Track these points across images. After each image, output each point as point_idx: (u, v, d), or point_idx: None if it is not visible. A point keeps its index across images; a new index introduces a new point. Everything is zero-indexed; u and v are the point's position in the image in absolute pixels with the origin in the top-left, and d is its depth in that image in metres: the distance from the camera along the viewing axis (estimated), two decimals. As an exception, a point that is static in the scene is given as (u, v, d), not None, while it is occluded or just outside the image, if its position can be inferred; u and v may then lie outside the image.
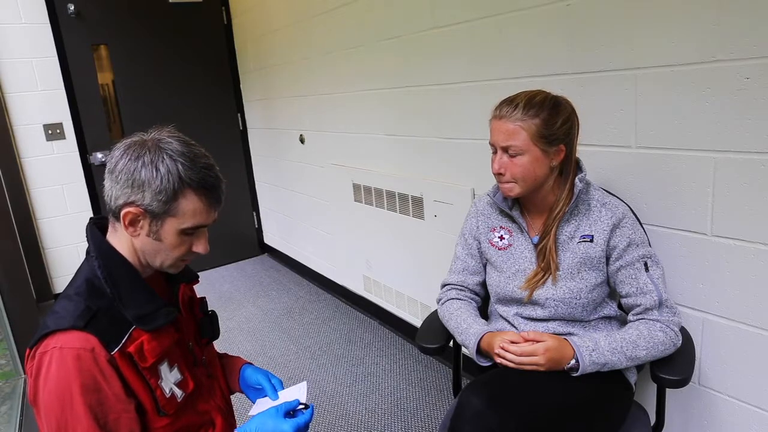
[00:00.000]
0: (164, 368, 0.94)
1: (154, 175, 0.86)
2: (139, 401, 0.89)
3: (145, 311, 0.91)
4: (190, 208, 0.89)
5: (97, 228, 0.96)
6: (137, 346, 0.89)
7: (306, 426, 0.97)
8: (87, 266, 0.93)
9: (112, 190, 0.89)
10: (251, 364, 1.19)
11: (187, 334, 1.04)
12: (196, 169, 0.89)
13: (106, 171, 0.90)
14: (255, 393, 1.14)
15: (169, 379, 0.95)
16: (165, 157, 0.87)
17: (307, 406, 1.01)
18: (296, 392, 1.07)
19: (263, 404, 1.08)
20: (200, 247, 0.96)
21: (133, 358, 0.88)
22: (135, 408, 0.88)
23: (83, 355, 0.83)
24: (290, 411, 0.99)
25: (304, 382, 1.09)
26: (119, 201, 0.88)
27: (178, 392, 0.96)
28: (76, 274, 0.95)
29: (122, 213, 0.88)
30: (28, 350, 0.88)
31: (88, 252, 0.95)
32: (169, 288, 1.05)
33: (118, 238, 0.94)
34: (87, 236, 0.95)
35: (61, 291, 0.95)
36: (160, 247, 0.92)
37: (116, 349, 0.86)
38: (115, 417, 0.85)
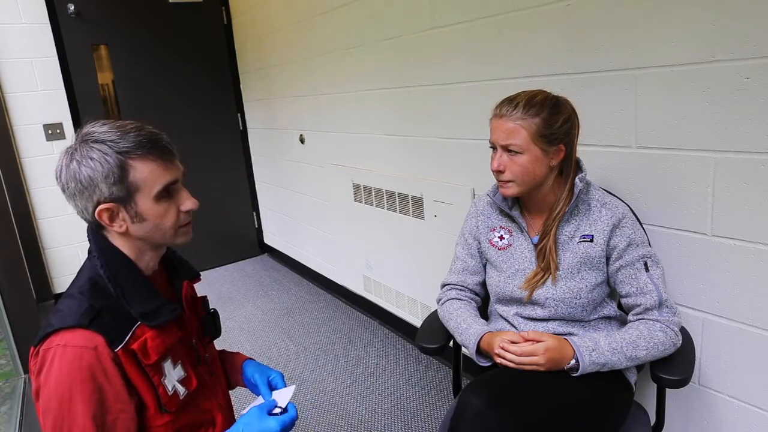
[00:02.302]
0: (168, 365, 0.94)
1: (93, 166, 0.86)
2: (141, 399, 0.89)
3: (149, 308, 0.92)
4: (145, 173, 0.88)
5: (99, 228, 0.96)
6: (141, 344, 0.89)
7: (292, 423, 0.97)
8: (89, 265, 0.93)
9: (77, 205, 0.89)
10: (252, 359, 1.20)
11: (190, 331, 1.05)
12: (125, 136, 0.88)
13: (62, 192, 0.90)
14: (257, 390, 1.14)
15: (173, 376, 0.95)
16: (92, 144, 0.87)
17: (285, 410, 1.00)
18: (286, 394, 1.07)
19: (260, 401, 1.08)
20: (188, 204, 0.95)
21: (137, 356, 0.88)
22: (136, 407, 0.88)
23: (86, 353, 0.83)
24: (274, 409, 0.99)
25: (293, 387, 1.09)
26: (89, 209, 0.89)
27: (181, 389, 0.96)
28: (78, 273, 0.95)
29: (96, 216, 0.89)
30: (32, 348, 0.88)
31: (89, 251, 0.95)
32: (172, 286, 1.06)
33: (115, 237, 0.94)
34: (88, 236, 0.95)
35: (61, 291, 0.95)
36: (150, 225, 0.92)
37: (120, 347, 0.86)
38: (113, 417, 0.85)
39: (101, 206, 0.88)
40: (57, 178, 0.89)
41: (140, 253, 0.96)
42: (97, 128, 0.88)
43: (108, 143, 0.86)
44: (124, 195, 0.88)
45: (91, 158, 0.86)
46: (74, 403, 0.82)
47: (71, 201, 0.90)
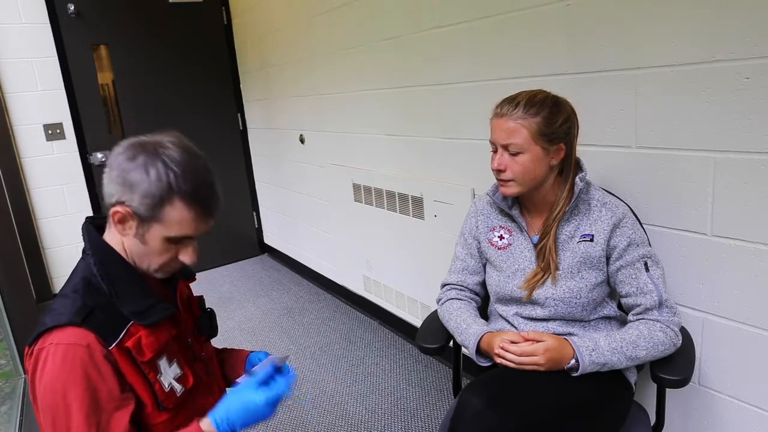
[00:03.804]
0: (163, 363, 0.94)
1: (143, 179, 0.86)
2: (138, 397, 0.89)
3: (141, 307, 0.92)
4: (177, 217, 0.89)
5: (94, 227, 0.97)
6: (135, 341, 0.89)
7: (277, 398, 0.94)
8: (83, 264, 0.94)
9: (108, 186, 0.89)
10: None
11: (185, 330, 1.05)
12: (189, 179, 0.88)
13: (106, 166, 0.90)
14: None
15: (169, 374, 0.95)
16: (159, 162, 0.87)
17: (279, 370, 0.96)
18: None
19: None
20: (186, 258, 0.95)
21: (131, 353, 0.89)
22: (134, 404, 0.88)
23: (78, 351, 0.84)
24: (267, 380, 0.96)
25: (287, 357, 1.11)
26: (112, 199, 0.89)
27: (178, 387, 0.96)
28: (72, 272, 0.96)
29: (111, 211, 0.89)
30: (26, 348, 0.89)
31: (84, 251, 0.96)
32: (167, 285, 1.06)
33: (113, 234, 0.94)
34: (83, 235, 0.96)
35: (61, 291, 0.95)
36: (145, 251, 0.93)
37: (114, 344, 0.87)
38: (107, 417, 0.85)
39: (120, 207, 0.88)
40: (112, 156, 0.89)
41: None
42: (173, 150, 0.88)
43: (171, 172, 0.87)
44: (146, 216, 0.88)
45: (148, 172, 0.86)
46: (69, 403, 0.82)
47: (107, 179, 0.89)
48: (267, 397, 0.93)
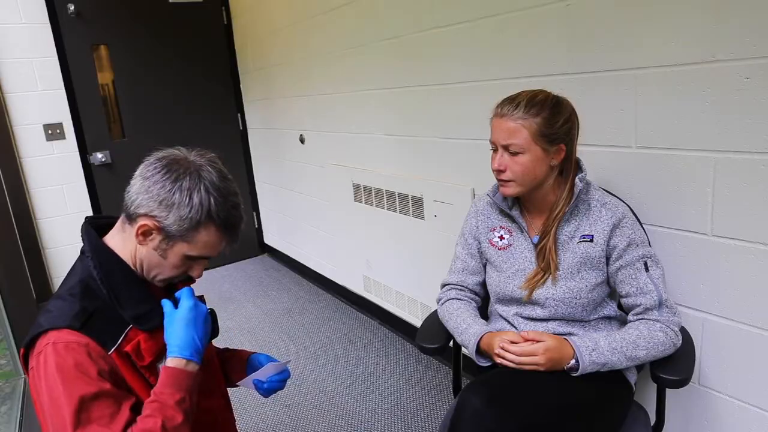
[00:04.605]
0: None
1: (186, 203, 0.87)
2: (140, 399, 0.89)
3: (141, 311, 0.92)
4: (205, 240, 0.91)
5: (93, 228, 0.96)
6: (134, 346, 0.89)
7: (190, 293, 0.95)
8: (81, 266, 0.93)
9: (139, 196, 0.89)
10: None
11: None
12: (226, 206, 0.90)
13: (139, 174, 0.90)
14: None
15: None
16: (201, 188, 0.88)
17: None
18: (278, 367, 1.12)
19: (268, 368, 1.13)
20: (195, 272, 0.98)
21: (131, 358, 0.88)
22: (133, 404, 0.88)
23: (75, 347, 0.83)
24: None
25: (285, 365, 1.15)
26: (140, 209, 0.89)
27: None
28: (69, 273, 0.95)
29: (139, 223, 0.89)
30: (22, 349, 0.89)
31: (82, 251, 0.95)
32: (167, 287, 1.05)
33: (124, 238, 0.94)
34: (82, 236, 0.95)
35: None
36: (161, 263, 0.93)
37: (113, 349, 0.87)
38: (108, 409, 0.83)
39: (149, 221, 0.88)
40: (150, 167, 0.89)
41: (135, 261, 0.96)
42: (213, 175, 0.90)
43: (212, 198, 0.88)
44: (174, 235, 0.89)
45: (191, 198, 0.87)
46: (67, 398, 0.81)
47: (139, 188, 0.89)
48: (183, 307, 0.93)
